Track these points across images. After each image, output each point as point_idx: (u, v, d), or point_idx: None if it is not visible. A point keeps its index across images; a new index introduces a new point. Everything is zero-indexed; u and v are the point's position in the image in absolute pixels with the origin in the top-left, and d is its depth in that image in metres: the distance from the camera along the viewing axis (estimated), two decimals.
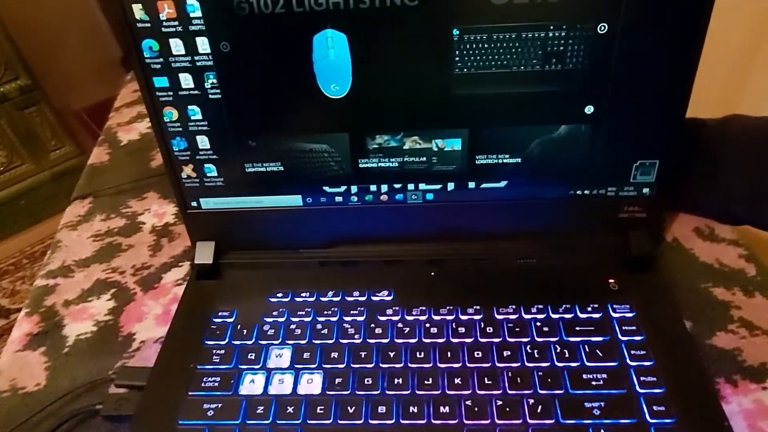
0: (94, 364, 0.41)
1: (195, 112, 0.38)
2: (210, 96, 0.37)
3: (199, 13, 0.34)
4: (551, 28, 0.34)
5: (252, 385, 0.36)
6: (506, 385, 0.35)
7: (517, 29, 0.34)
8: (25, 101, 1.47)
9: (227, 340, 0.39)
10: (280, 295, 0.42)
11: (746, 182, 0.42)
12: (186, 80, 0.37)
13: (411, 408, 0.34)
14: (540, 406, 0.34)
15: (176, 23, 0.35)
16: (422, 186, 0.41)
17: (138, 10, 0.34)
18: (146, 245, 0.50)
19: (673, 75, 0.35)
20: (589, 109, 0.37)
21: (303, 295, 0.42)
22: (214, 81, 0.37)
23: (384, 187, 0.41)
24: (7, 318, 1.40)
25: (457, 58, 0.35)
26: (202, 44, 0.35)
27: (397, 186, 0.41)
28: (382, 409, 0.34)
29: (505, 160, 0.39)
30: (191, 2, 0.34)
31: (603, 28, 0.34)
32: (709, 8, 0.33)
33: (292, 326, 0.40)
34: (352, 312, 0.40)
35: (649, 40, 0.34)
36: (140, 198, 0.55)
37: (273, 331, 0.39)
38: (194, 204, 0.43)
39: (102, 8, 1.77)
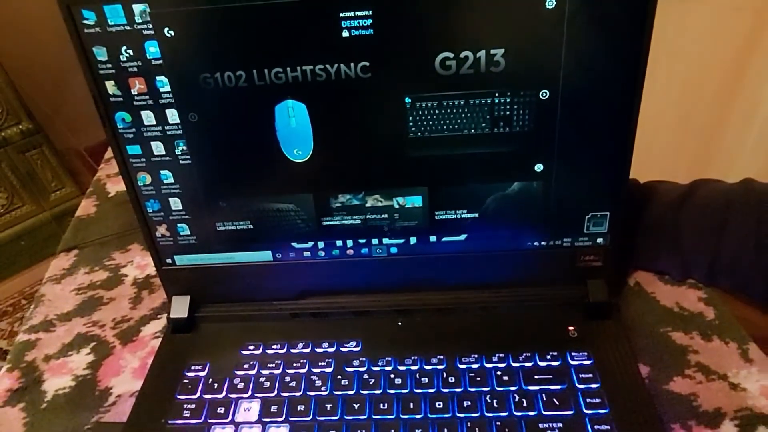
0: (71, 420, 0.42)
1: (167, 176, 0.40)
2: (181, 161, 0.40)
3: (168, 88, 0.37)
4: (497, 95, 0.36)
5: None
6: None
7: (464, 96, 0.36)
8: (27, 145, 1.51)
9: (198, 394, 0.41)
10: (252, 347, 0.43)
11: (706, 250, 0.44)
12: (158, 148, 0.39)
13: None
14: None
15: (147, 97, 0.37)
16: (386, 241, 0.43)
17: (111, 86, 0.37)
18: (127, 298, 0.52)
19: (614, 133, 0.37)
20: (538, 167, 0.39)
21: (274, 347, 0.43)
22: (185, 148, 0.39)
23: (349, 242, 0.43)
24: (4, 360, 1.41)
25: (410, 124, 0.37)
26: (172, 115, 0.38)
27: (362, 241, 0.43)
28: None
29: (463, 215, 0.41)
30: (161, 78, 0.37)
31: (545, 94, 0.36)
32: (642, 72, 0.35)
33: (262, 379, 0.41)
34: (320, 363, 0.42)
35: (589, 103, 0.36)
36: (124, 250, 0.57)
37: (243, 384, 0.41)
38: (169, 261, 0.44)
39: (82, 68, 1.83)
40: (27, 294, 1.61)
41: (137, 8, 0.34)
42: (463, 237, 0.42)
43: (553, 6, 0.33)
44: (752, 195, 0.42)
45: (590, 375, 0.39)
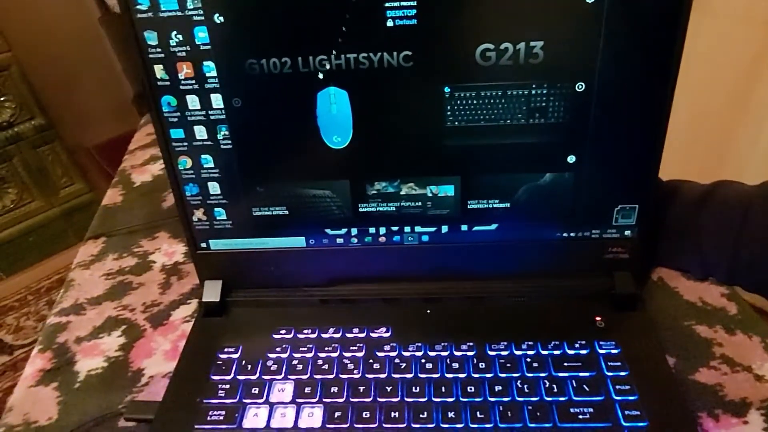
0: (104, 399, 0.43)
1: (207, 160, 0.41)
2: (222, 146, 0.41)
3: (214, 73, 0.38)
4: (533, 86, 0.37)
5: (255, 418, 0.38)
6: (497, 418, 0.37)
7: (502, 87, 0.37)
8: (39, 140, 1.52)
9: (232, 375, 0.41)
10: (283, 332, 0.44)
11: (725, 250, 0.44)
12: (200, 132, 0.40)
13: None
14: None
15: (193, 81, 0.38)
16: (418, 229, 0.44)
17: (159, 70, 0.38)
18: (156, 283, 0.53)
19: (646, 127, 0.38)
20: (571, 159, 0.40)
21: (305, 331, 0.44)
22: (226, 133, 0.40)
23: (382, 230, 0.44)
24: (10, 354, 1.41)
25: (448, 113, 0.39)
26: (216, 100, 0.39)
27: (395, 229, 0.44)
28: None
29: (495, 205, 0.42)
30: (207, 63, 0.38)
31: (581, 86, 0.37)
32: (676, 68, 0.36)
33: (295, 362, 0.42)
34: (351, 348, 0.42)
35: (623, 96, 0.38)
36: (151, 238, 0.58)
37: (276, 366, 0.42)
38: (203, 245, 0.45)
39: (116, 50, 1.85)
40: (33, 289, 1.61)
41: None
42: (493, 227, 0.43)
43: (593, 0, 0.35)
44: None
45: (618, 363, 0.40)
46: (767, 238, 0.42)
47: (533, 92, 0.38)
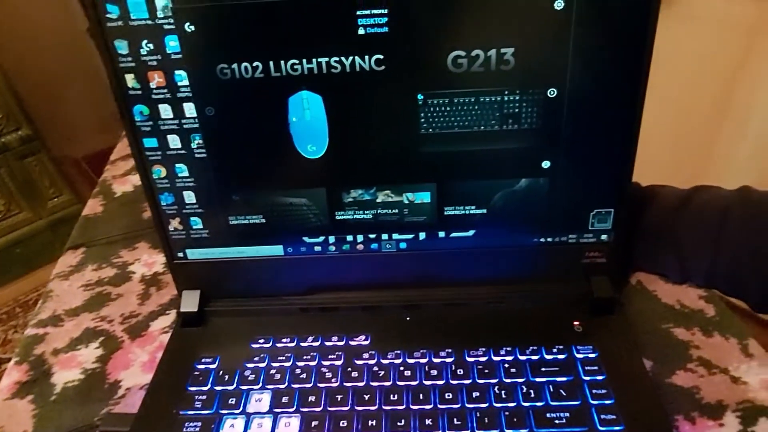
0: (80, 412, 0.42)
1: (182, 169, 0.41)
2: (196, 155, 0.40)
3: (186, 82, 0.38)
4: (506, 92, 0.38)
5: (232, 429, 0.38)
6: (474, 425, 0.37)
7: (474, 94, 0.38)
8: (26, 151, 1.51)
9: (209, 385, 0.41)
10: (261, 341, 0.44)
11: (704, 255, 0.44)
12: (174, 141, 0.40)
13: None
14: None
15: (165, 90, 0.38)
16: (395, 236, 0.44)
17: (130, 79, 0.38)
18: (135, 294, 0.52)
19: (619, 132, 0.39)
20: (545, 164, 0.40)
21: (284, 340, 0.44)
22: (200, 141, 0.40)
23: (360, 237, 0.44)
24: None
25: (422, 120, 0.39)
26: (189, 109, 0.39)
27: (372, 236, 0.44)
28: None
29: (471, 211, 0.42)
30: (179, 72, 0.38)
31: (552, 92, 0.37)
32: (645, 73, 0.37)
33: (272, 371, 0.41)
34: (330, 356, 0.42)
35: (594, 102, 0.38)
36: (131, 248, 0.58)
37: (254, 376, 0.41)
38: (180, 255, 0.45)
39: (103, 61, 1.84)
40: (21, 302, 1.59)
41: (159, 3, 0.35)
42: (471, 233, 0.43)
43: (562, 7, 0.35)
44: (749, 203, 0.43)
45: (596, 367, 0.40)
46: (745, 242, 0.42)
47: (506, 98, 0.38)
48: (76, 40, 1.78)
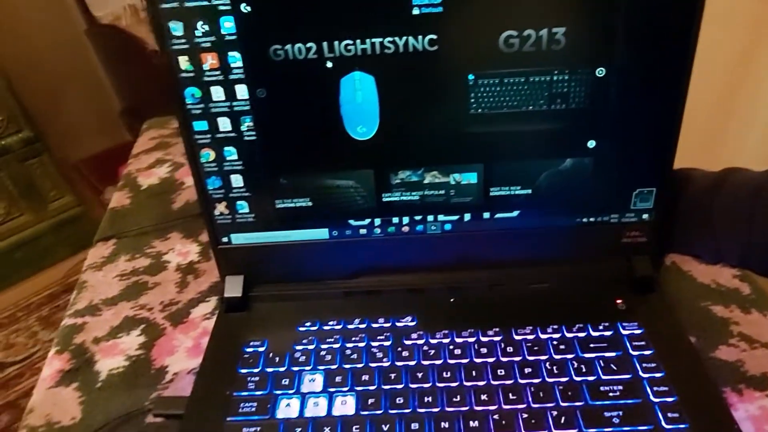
0: (128, 397, 0.42)
1: (231, 152, 0.41)
2: (245, 138, 0.41)
3: (239, 63, 0.38)
4: (555, 72, 0.38)
5: (288, 408, 0.38)
6: (530, 399, 0.37)
7: (525, 74, 0.38)
8: (27, 153, 1.50)
9: (260, 367, 0.41)
10: (308, 324, 0.44)
11: (738, 236, 0.45)
12: (224, 124, 0.40)
13: (442, 423, 0.36)
14: (563, 417, 0.36)
15: (218, 72, 0.39)
16: (441, 217, 0.44)
17: (183, 61, 0.38)
18: (173, 282, 0.52)
19: (664, 112, 0.40)
20: (591, 144, 0.41)
21: (330, 323, 0.44)
22: (251, 124, 0.40)
23: (405, 219, 0.44)
24: (2, 372, 1.38)
25: (472, 100, 0.39)
26: (241, 91, 0.39)
27: (418, 218, 0.44)
28: (414, 425, 0.36)
29: (517, 192, 0.43)
30: (233, 54, 0.38)
31: (601, 72, 0.38)
32: (692, 53, 0.37)
33: (322, 353, 0.42)
34: (378, 337, 0.42)
35: (642, 82, 0.39)
36: (164, 238, 0.58)
37: (304, 357, 0.41)
38: (225, 240, 0.45)
39: (103, 63, 1.84)
40: (23, 306, 1.58)
41: None
42: (515, 213, 0.44)
43: None
44: None
45: (643, 342, 0.40)
46: None
47: (555, 78, 0.38)
48: (75, 41, 1.78)
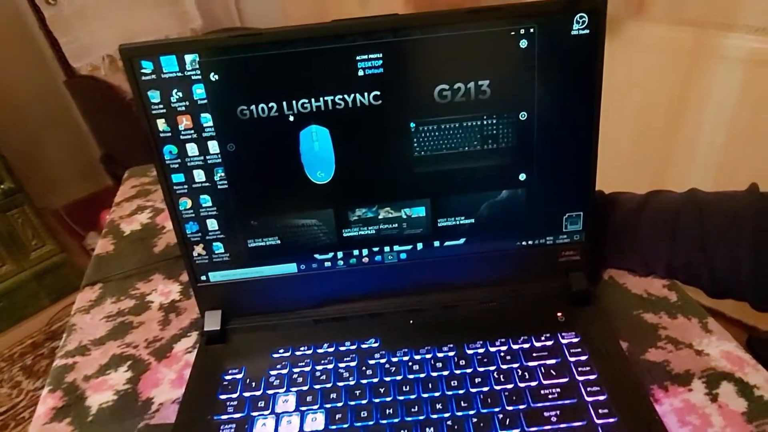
0: (118, 428, 0.46)
1: (206, 200, 0.46)
2: (219, 187, 0.46)
3: (210, 123, 0.44)
4: (485, 117, 0.44)
5: (264, 428, 0.42)
6: (479, 405, 0.42)
7: (458, 120, 0.44)
8: (8, 204, 1.53)
9: (238, 392, 0.45)
10: (281, 350, 0.49)
11: (662, 251, 0.51)
12: (199, 175, 0.45)
13: (402, 431, 0.41)
14: (508, 419, 0.41)
15: (192, 131, 0.44)
16: (396, 248, 0.49)
17: (161, 124, 0.44)
18: (156, 321, 0.56)
19: (581, 145, 0.46)
20: (522, 176, 0.47)
21: (302, 348, 0.48)
22: (222, 174, 0.46)
23: (365, 251, 0.49)
24: None
25: (415, 144, 0.45)
26: (213, 146, 0.45)
27: (376, 249, 0.49)
28: None
29: (461, 222, 0.48)
30: (204, 115, 0.43)
31: (523, 115, 0.44)
32: (598, 97, 0.44)
33: (295, 375, 0.46)
34: (345, 359, 0.47)
35: (559, 122, 0.45)
36: (147, 280, 0.62)
37: (278, 381, 0.46)
38: (203, 278, 0.50)
39: (82, 112, 1.89)
40: (6, 356, 1.58)
41: (188, 58, 0.41)
42: (462, 241, 0.49)
43: (526, 46, 0.42)
44: (696, 203, 0.50)
45: (579, 349, 0.46)
46: (694, 237, 0.49)
47: (485, 122, 0.45)
48: (54, 92, 1.83)
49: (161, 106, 0.43)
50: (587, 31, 0.42)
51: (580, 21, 0.42)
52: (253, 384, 0.46)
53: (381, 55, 0.42)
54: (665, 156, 1.20)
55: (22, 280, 1.61)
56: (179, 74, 0.42)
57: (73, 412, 0.48)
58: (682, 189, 0.53)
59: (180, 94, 0.43)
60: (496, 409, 0.42)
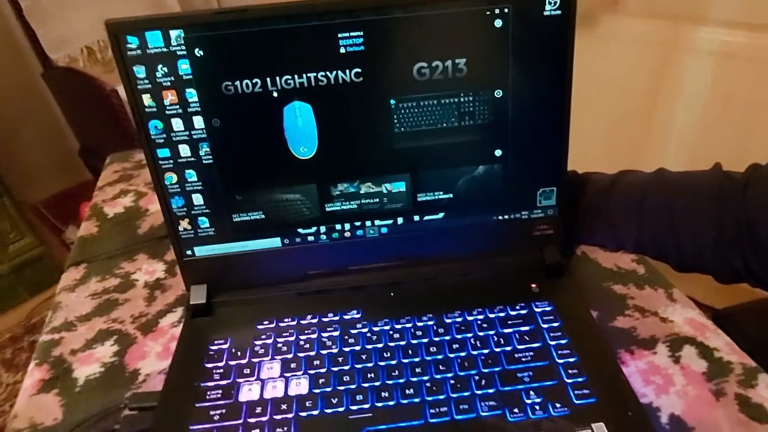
0: (105, 397, 0.47)
1: (191, 175, 0.48)
2: (204, 162, 0.47)
3: (195, 98, 0.45)
4: (462, 95, 0.46)
5: (249, 392, 0.44)
6: (456, 368, 0.44)
7: (437, 97, 0.46)
8: None
9: (224, 361, 0.47)
10: (266, 322, 0.50)
11: (631, 226, 0.54)
12: (184, 150, 0.47)
13: (382, 393, 0.42)
14: (484, 380, 0.43)
15: (177, 107, 0.45)
16: (377, 222, 0.51)
17: (147, 99, 0.45)
18: (141, 298, 0.57)
19: (553, 122, 0.48)
20: (497, 152, 0.49)
21: (286, 320, 0.50)
22: (207, 150, 0.47)
23: (347, 226, 0.51)
24: None
25: (395, 120, 0.47)
26: (198, 122, 0.46)
27: (357, 224, 0.51)
28: (359, 397, 0.42)
29: (440, 196, 0.50)
30: (189, 90, 0.45)
31: (499, 93, 0.46)
32: (570, 72, 0.46)
33: (279, 345, 0.48)
34: (328, 329, 0.49)
35: (533, 99, 0.47)
36: (131, 260, 0.63)
37: (263, 350, 0.47)
38: (189, 253, 0.51)
39: (60, 105, 1.86)
40: None
41: (173, 33, 0.43)
42: (441, 215, 0.51)
43: (500, 25, 0.44)
44: (663, 181, 0.53)
45: (551, 317, 0.48)
46: (661, 213, 0.52)
47: (462, 100, 0.46)
48: (31, 84, 1.81)
49: (146, 81, 0.44)
50: (558, 12, 0.44)
51: (552, 2, 0.44)
52: (239, 353, 0.47)
53: (362, 33, 0.44)
54: (639, 146, 1.24)
55: (0, 274, 1.59)
56: (164, 50, 0.43)
57: (60, 383, 0.49)
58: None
59: (165, 69, 0.44)
60: (473, 372, 0.44)
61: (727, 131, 1.12)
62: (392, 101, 0.46)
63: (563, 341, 0.46)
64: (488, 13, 0.44)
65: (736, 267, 0.49)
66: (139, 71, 0.44)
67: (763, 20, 1.01)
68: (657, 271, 0.55)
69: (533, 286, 0.51)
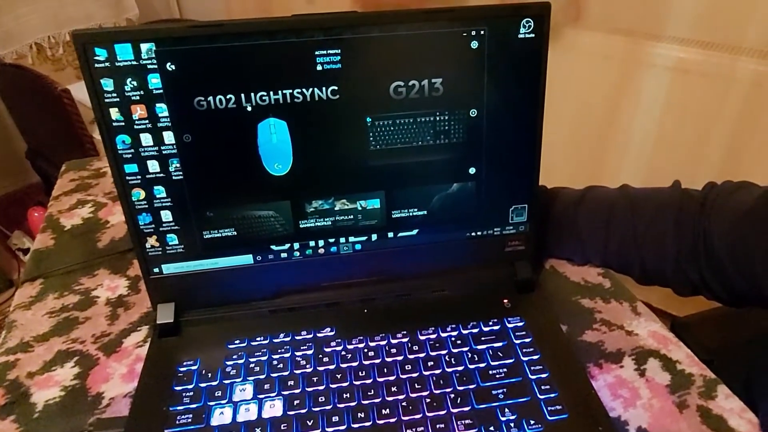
0: (67, 423, 0.45)
1: (160, 191, 0.46)
2: (174, 178, 0.46)
3: (166, 113, 0.43)
4: (437, 113, 0.47)
5: (222, 416, 0.43)
6: (432, 386, 0.44)
7: (413, 116, 0.46)
8: None
9: (194, 383, 0.45)
10: (237, 341, 0.49)
11: (598, 240, 0.55)
12: (153, 166, 0.45)
13: (359, 414, 0.42)
14: (459, 398, 0.43)
15: (146, 121, 0.43)
16: (351, 239, 0.51)
17: (114, 113, 0.43)
18: (103, 316, 0.55)
19: (526, 141, 0.49)
20: (471, 170, 0.49)
21: (258, 339, 0.49)
22: (178, 165, 0.45)
23: (321, 242, 0.50)
24: None
25: (371, 138, 0.47)
26: (168, 137, 0.44)
27: (331, 240, 0.50)
28: (335, 419, 0.42)
29: (414, 213, 0.50)
30: (160, 105, 0.43)
31: (474, 112, 0.47)
32: (542, 94, 0.47)
33: (252, 365, 0.47)
34: (301, 347, 0.48)
35: (506, 119, 0.48)
36: (91, 275, 0.60)
37: (235, 371, 0.46)
38: (156, 270, 0.49)
39: (6, 104, 1.77)
40: None
41: (144, 46, 0.41)
42: (415, 232, 0.51)
43: (476, 47, 0.45)
44: (628, 197, 0.55)
45: (524, 333, 0.49)
46: (627, 230, 0.54)
47: (437, 118, 0.47)
48: None
49: (115, 94, 0.42)
50: (533, 35, 0.45)
51: (527, 25, 0.45)
52: (209, 374, 0.46)
53: (339, 51, 0.43)
54: (599, 156, 1.28)
55: None
56: (134, 63, 0.41)
57: (18, 409, 0.46)
58: (616, 185, 0.58)
59: (135, 83, 0.42)
60: (448, 390, 0.44)
61: (682, 143, 1.17)
62: (368, 119, 0.46)
63: (535, 357, 0.47)
64: (465, 34, 0.44)
65: (693, 280, 0.51)
66: (107, 84, 0.42)
67: (716, 39, 1.07)
68: (622, 285, 0.57)
69: (505, 301, 0.52)
